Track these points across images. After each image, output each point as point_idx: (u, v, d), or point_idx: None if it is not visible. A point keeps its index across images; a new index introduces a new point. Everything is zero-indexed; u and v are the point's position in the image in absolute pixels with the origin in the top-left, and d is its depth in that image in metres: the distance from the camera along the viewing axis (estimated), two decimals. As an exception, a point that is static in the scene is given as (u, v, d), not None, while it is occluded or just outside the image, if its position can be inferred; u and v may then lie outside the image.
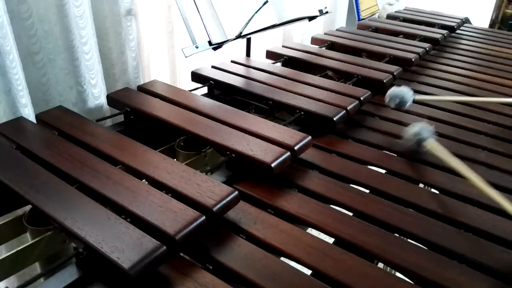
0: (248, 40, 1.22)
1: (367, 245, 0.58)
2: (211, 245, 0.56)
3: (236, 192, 0.59)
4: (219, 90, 1.03)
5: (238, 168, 0.71)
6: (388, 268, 0.57)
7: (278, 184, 0.69)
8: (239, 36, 1.00)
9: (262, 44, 1.38)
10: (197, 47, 0.92)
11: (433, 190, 0.73)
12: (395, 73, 1.11)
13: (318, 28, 1.80)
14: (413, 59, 1.23)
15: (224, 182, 0.65)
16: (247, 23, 1.00)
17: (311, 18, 1.26)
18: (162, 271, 0.51)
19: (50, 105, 0.89)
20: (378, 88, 1.05)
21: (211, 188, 0.59)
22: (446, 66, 1.32)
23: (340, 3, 1.91)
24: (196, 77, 1.05)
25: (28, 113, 0.81)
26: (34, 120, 0.80)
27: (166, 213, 0.53)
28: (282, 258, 0.56)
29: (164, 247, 0.49)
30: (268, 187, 0.69)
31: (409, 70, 1.24)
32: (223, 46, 0.97)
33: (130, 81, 1.04)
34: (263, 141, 0.72)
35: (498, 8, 3.24)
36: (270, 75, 1.06)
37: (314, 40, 1.43)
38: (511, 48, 1.55)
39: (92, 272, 0.50)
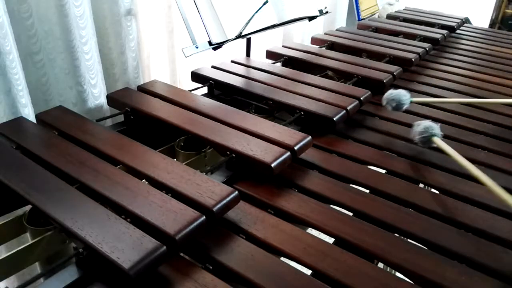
0: (248, 40, 1.22)
1: (367, 245, 0.58)
2: (211, 245, 0.56)
3: (236, 192, 0.59)
4: (219, 90, 1.03)
5: (238, 168, 0.71)
6: (388, 268, 0.57)
7: (278, 184, 0.69)
8: (239, 36, 1.00)
9: (262, 44, 1.38)
10: (197, 47, 0.92)
11: (433, 190, 0.73)
12: (395, 73, 1.11)
13: (318, 28, 1.80)
14: (413, 59, 1.23)
15: (224, 182, 0.65)
16: (247, 23, 1.00)
17: (311, 18, 1.26)
18: (162, 271, 0.51)
19: (50, 105, 0.89)
20: (378, 88, 1.05)
21: (211, 188, 0.59)
22: (446, 66, 1.32)
23: (340, 3, 1.91)
24: (196, 77, 1.05)
25: (28, 113, 0.81)
26: (34, 120, 0.80)
27: (166, 213, 0.53)
28: (282, 258, 0.56)
29: (164, 247, 0.49)
30: (268, 187, 0.69)
31: (409, 70, 1.24)
32: (223, 46, 0.97)
33: (130, 81, 1.04)
34: (263, 141, 0.72)
35: (498, 8, 3.25)
36: (270, 75, 1.06)
37: (314, 40, 1.43)
38: (511, 48, 1.55)
39: (92, 272, 0.50)
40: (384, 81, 1.06)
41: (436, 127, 0.81)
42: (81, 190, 0.58)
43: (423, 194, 0.70)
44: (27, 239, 0.59)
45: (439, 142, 0.79)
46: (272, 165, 0.67)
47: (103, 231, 0.50)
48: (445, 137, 0.87)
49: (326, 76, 1.13)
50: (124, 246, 0.48)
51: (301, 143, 0.73)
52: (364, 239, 0.59)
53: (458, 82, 1.19)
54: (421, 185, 0.75)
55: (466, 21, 1.85)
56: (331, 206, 0.66)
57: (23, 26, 0.81)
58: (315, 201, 0.66)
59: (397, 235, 0.62)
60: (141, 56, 1.08)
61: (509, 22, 3.23)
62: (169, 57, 1.18)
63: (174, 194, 0.58)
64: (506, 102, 1.05)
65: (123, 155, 0.67)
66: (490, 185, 0.65)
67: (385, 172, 0.77)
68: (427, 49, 1.33)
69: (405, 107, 0.93)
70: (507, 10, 3.26)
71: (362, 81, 1.08)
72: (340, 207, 0.67)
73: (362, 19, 1.59)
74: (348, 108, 0.89)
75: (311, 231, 0.61)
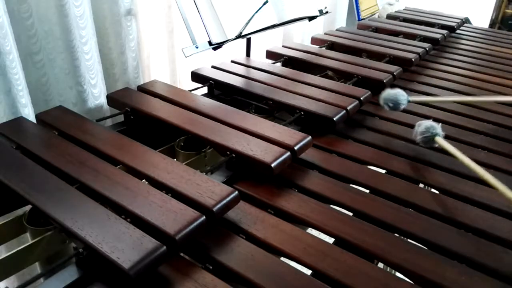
0: (248, 40, 1.22)
1: (367, 245, 0.58)
2: (211, 245, 0.56)
3: (236, 192, 0.59)
4: (219, 90, 1.03)
5: (238, 168, 0.71)
6: (388, 268, 0.57)
7: (278, 184, 0.69)
8: (239, 36, 1.00)
9: (262, 44, 1.38)
10: (197, 47, 0.92)
11: (433, 190, 0.73)
12: (395, 73, 1.11)
13: (318, 28, 1.80)
14: (413, 59, 1.23)
15: (224, 182, 0.65)
16: (247, 23, 1.00)
17: (311, 18, 1.26)
18: (162, 271, 0.51)
19: (50, 105, 0.89)
20: (378, 88, 1.04)
21: (211, 188, 0.59)
22: (446, 66, 1.32)
23: (340, 3, 1.91)
24: (196, 77, 1.05)
25: (28, 113, 0.81)
26: (34, 120, 0.80)
27: (166, 213, 0.53)
28: (282, 258, 0.56)
29: (164, 247, 0.49)
30: (268, 187, 0.69)
31: (409, 70, 1.24)
32: (223, 46, 0.97)
33: (130, 81, 1.04)
34: (263, 141, 0.72)
35: (498, 8, 3.25)
36: (270, 75, 1.06)
37: (314, 40, 1.43)
38: (511, 48, 1.55)
39: (92, 272, 0.50)
40: (384, 81, 1.06)
41: (437, 127, 0.81)
42: (81, 190, 0.58)
43: (423, 194, 0.70)
44: (27, 239, 0.59)
45: (441, 141, 0.79)
46: (272, 165, 0.67)
47: (103, 231, 0.50)
48: (445, 137, 0.87)
49: (326, 76, 1.13)
50: (124, 246, 0.48)
51: (301, 143, 0.73)
52: (364, 239, 0.59)
53: (458, 82, 1.19)
54: (421, 185, 0.75)
55: (466, 21, 1.85)
56: (331, 206, 0.66)
57: (23, 26, 0.81)
58: (315, 201, 0.66)
59: (397, 235, 0.62)
60: (141, 56, 1.08)
61: (509, 22, 3.23)
62: (169, 57, 1.18)
63: (174, 194, 0.58)
64: (502, 100, 1.05)
65: (123, 155, 0.67)
66: (492, 182, 0.66)
67: (385, 172, 0.77)
68: (427, 49, 1.33)
69: (402, 106, 0.92)
70: (507, 10, 3.26)
71: (362, 81, 1.08)
72: (340, 207, 0.67)
73: (362, 19, 1.59)
74: (348, 108, 0.89)
75: (311, 231, 0.61)
